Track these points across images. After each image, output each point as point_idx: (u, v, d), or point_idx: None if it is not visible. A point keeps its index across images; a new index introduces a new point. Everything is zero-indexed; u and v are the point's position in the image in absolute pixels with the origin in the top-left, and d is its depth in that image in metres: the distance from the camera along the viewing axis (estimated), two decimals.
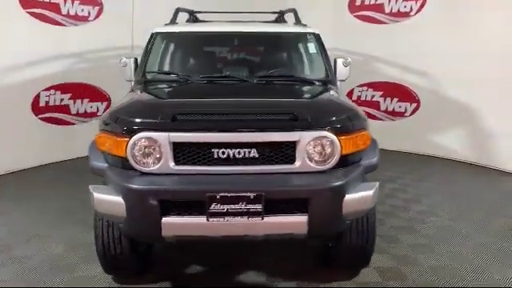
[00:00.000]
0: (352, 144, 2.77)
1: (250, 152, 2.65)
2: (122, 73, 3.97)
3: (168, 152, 2.63)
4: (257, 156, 2.66)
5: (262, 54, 4.16)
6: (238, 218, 2.56)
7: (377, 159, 2.97)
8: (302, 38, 3.94)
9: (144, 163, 2.68)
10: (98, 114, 7.15)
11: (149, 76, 3.80)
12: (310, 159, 2.69)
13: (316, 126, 2.70)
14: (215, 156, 2.65)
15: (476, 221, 4.37)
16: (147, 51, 3.88)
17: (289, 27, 4.01)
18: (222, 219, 2.56)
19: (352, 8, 7.64)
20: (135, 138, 2.65)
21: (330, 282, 3.21)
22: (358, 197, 2.68)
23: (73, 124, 6.89)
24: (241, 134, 2.64)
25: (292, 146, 2.67)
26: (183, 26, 4.15)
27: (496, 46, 5.92)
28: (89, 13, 6.85)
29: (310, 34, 3.95)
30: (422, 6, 6.92)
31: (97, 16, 6.93)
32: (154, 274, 3.32)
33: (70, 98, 6.75)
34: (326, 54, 3.89)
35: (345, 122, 2.78)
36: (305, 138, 2.66)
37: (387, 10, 7.27)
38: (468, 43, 6.22)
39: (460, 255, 3.62)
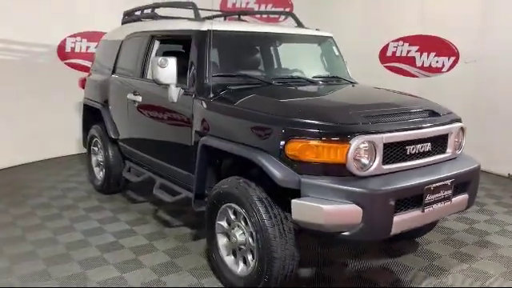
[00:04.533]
0: None
1: (427, 146, 2.97)
2: (157, 74, 3.40)
3: (381, 153, 2.70)
4: (430, 149, 3.00)
5: (300, 55, 4.22)
6: (439, 204, 2.87)
7: None
8: (326, 40, 4.23)
9: (363, 167, 2.66)
10: None
11: (216, 80, 3.43)
12: (455, 147, 3.20)
13: (455, 118, 3.23)
14: (407, 153, 2.86)
15: None
16: (203, 52, 3.45)
17: (312, 30, 4.22)
18: (431, 208, 2.82)
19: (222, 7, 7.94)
20: (357, 141, 2.60)
21: (406, 253, 3.77)
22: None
23: None
24: (428, 130, 2.95)
25: (446, 137, 3.12)
26: (235, 25, 3.82)
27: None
28: None
29: (330, 37, 4.29)
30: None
31: None
32: None
33: None
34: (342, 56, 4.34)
35: None
36: (455, 129, 3.16)
37: (258, 15, 7.90)
38: None
39: None
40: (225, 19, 5.16)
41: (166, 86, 3.47)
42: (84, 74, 6.05)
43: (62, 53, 6.73)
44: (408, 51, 7.22)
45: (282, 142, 2.68)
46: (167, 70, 3.39)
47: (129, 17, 5.11)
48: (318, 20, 7.52)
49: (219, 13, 5.21)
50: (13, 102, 6.12)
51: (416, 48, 7.13)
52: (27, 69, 6.30)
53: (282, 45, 4.07)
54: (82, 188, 5.41)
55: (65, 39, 6.72)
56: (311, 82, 3.75)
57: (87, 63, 6.61)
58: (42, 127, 6.41)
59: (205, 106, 3.32)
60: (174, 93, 3.49)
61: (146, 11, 4.83)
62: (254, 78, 3.56)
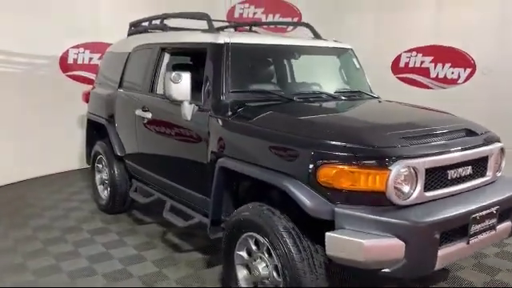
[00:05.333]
0: None
1: (468, 169, 2.71)
2: (169, 90, 3.15)
3: (423, 179, 2.44)
4: (471, 172, 2.74)
5: (320, 68, 3.96)
6: (484, 235, 2.60)
7: None
8: (346, 52, 3.99)
9: (403, 195, 2.39)
10: None
11: (234, 96, 3.18)
12: (495, 170, 2.94)
13: (495, 138, 2.98)
14: (448, 177, 2.60)
15: None
16: (220, 66, 3.19)
17: (331, 42, 3.97)
18: (476, 239, 2.55)
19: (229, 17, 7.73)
20: (398, 167, 2.34)
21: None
22: None
23: None
24: (470, 152, 2.68)
25: (487, 159, 2.86)
26: (253, 38, 3.58)
27: None
28: None
29: (350, 48, 4.05)
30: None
31: None
32: None
33: None
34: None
35: None
36: (495, 150, 2.90)
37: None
38: None
39: None
40: (235, 30, 4.93)
41: (179, 102, 3.22)
42: (87, 87, 5.81)
43: (65, 64, 6.48)
44: (422, 62, 6.98)
45: (311, 166, 2.42)
46: (181, 85, 3.14)
47: (135, 28, 4.87)
48: (328, 30, 7.35)
49: (232, 23, 4.96)
50: (14, 114, 5.87)
51: (430, 59, 6.89)
52: (29, 81, 6.06)
53: (301, 58, 3.81)
54: (85, 207, 5.14)
55: (67, 50, 6.47)
56: (334, 98, 3.50)
57: (90, 75, 6.38)
58: (43, 141, 6.15)
59: (222, 124, 3.07)
60: (188, 110, 3.24)
61: (154, 22, 4.58)
62: (273, 93, 3.32)
